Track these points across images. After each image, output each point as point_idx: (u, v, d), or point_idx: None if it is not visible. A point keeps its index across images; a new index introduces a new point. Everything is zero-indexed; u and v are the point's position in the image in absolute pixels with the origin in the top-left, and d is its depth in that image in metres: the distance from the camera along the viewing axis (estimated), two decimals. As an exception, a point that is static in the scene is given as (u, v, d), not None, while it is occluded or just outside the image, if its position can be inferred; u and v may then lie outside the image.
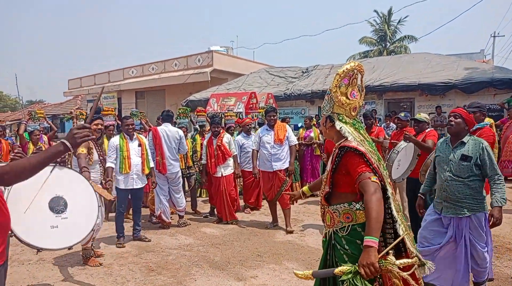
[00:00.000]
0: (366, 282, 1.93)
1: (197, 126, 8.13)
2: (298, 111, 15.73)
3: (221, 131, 6.54)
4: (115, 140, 5.45)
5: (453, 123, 3.42)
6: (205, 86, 19.04)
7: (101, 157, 4.81)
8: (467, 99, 12.14)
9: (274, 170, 5.92)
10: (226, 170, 6.45)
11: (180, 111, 7.79)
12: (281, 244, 5.36)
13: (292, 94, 15.48)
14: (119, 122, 7.05)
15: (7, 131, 15.27)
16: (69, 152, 4.63)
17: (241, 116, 10.03)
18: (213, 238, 5.70)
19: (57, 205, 2.83)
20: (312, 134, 8.53)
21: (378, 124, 10.49)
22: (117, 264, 4.70)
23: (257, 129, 7.65)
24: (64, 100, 33.27)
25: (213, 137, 6.48)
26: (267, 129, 6.07)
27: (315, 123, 9.16)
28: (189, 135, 7.94)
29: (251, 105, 11.67)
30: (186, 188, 7.56)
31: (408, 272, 1.96)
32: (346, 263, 2.09)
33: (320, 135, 8.39)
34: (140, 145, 5.54)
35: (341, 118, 2.28)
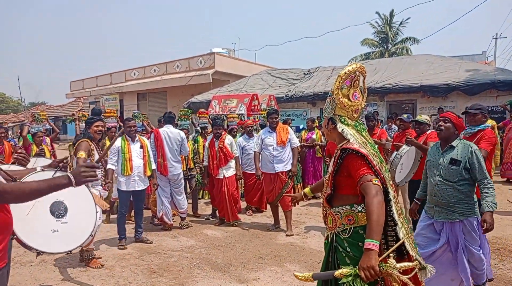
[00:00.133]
0: (365, 285, 1.93)
1: (198, 128, 8.14)
2: (300, 113, 15.73)
3: (222, 133, 6.53)
4: (117, 142, 5.45)
5: (442, 127, 3.41)
6: (207, 88, 19.06)
7: (102, 160, 4.79)
8: (469, 101, 12.13)
9: (276, 172, 5.91)
10: (228, 171, 6.45)
11: (181, 113, 7.81)
12: (283, 246, 5.35)
13: (294, 96, 15.48)
14: (121, 124, 7.07)
15: (10, 132, 15.32)
16: (70, 155, 4.65)
17: (242, 118, 10.03)
18: (215, 240, 5.69)
19: (58, 210, 2.85)
20: (314, 136, 8.53)
21: (380, 126, 10.48)
22: (119, 266, 4.70)
23: (258, 131, 7.65)
24: (66, 102, 33.39)
25: (214, 139, 6.47)
26: (269, 131, 6.07)
27: (317, 125, 9.16)
28: (191, 137, 7.94)
29: (253, 107, 11.68)
30: (188, 190, 7.56)
31: (409, 276, 1.95)
32: (347, 265, 2.09)
33: (322, 137, 8.39)
34: (141, 147, 5.54)
35: (343, 120, 2.28)
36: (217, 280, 4.23)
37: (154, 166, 5.71)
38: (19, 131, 17.01)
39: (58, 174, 2.94)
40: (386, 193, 2.13)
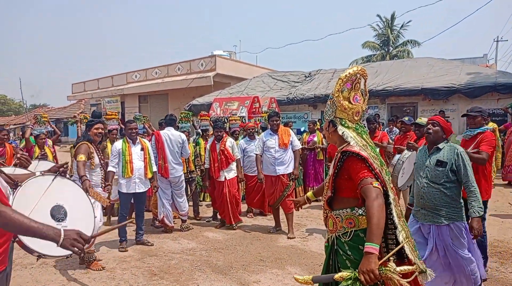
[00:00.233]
0: None
1: (199, 130, 8.14)
2: (301, 116, 15.74)
3: (224, 135, 6.53)
4: (118, 144, 5.47)
5: (431, 131, 3.43)
6: (208, 91, 19.09)
7: (102, 161, 4.82)
8: (470, 104, 12.11)
9: (278, 174, 5.91)
10: (230, 173, 6.43)
11: (182, 115, 7.81)
12: (284, 248, 5.34)
13: (295, 98, 15.50)
14: (123, 126, 7.08)
15: (11, 135, 15.33)
16: (71, 158, 4.66)
17: (243, 121, 10.04)
18: (216, 243, 5.69)
19: (58, 213, 2.87)
20: (315, 139, 8.52)
21: (382, 129, 10.47)
22: (120, 268, 4.69)
23: (259, 134, 7.65)
24: (67, 104, 33.46)
25: (216, 142, 6.46)
26: (270, 134, 6.07)
27: (318, 127, 9.16)
28: (192, 139, 7.94)
29: (254, 110, 11.69)
30: (189, 192, 7.56)
31: (409, 279, 1.95)
32: (348, 268, 2.08)
33: (323, 140, 8.38)
34: (142, 149, 5.54)
35: (343, 122, 2.27)
36: (218, 282, 4.23)
37: (155, 168, 5.72)
38: (21, 133, 17.03)
39: (58, 178, 2.98)
40: (386, 196, 2.12)
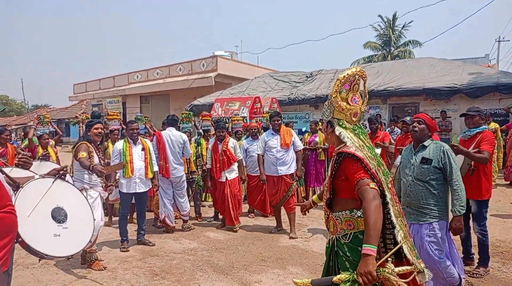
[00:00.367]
0: None
1: (201, 131, 8.14)
2: (302, 116, 15.72)
3: (225, 135, 6.51)
4: (119, 144, 5.48)
5: (417, 129, 3.44)
6: (209, 91, 19.10)
7: (102, 161, 4.83)
8: (472, 104, 12.06)
9: (280, 174, 5.91)
10: (231, 174, 6.41)
11: (183, 115, 7.82)
12: (285, 249, 5.34)
13: (296, 98, 15.49)
14: (124, 127, 7.09)
15: (13, 135, 15.38)
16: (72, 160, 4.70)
17: (245, 121, 10.04)
18: (217, 243, 5.69)
19: (59, 215, 2.91)
20: (317, 139, 8.51)
21: (384, 129, 10.46)
22: (121, 268, 4.70)
23: (261, 134, 7.64)
24: (69, 105, 33.52)
25: (218, 142, 6.45)
26: (272, 134, 6.07)
27: (320, 127, 9.14)
28: (193, 139, 7.93)
29: (255, 110, 11.69)
30: (190, 193, 7.56)
31: (407, 279, 1.96)
32: (347, 269, 2.09)
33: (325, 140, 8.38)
34: (143, 149, 5.55)
35: (341, 123, 2.27)
36: (219, 282, 4.23)
37: (156, 168, 5.72)
38: (23, 133, 17.08)
39: (58, 181, 3.01)
40: (383, 196, 2.12)
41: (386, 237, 2.13)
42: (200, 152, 7.38)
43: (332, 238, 2.33)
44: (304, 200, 8.17)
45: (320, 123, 9.39)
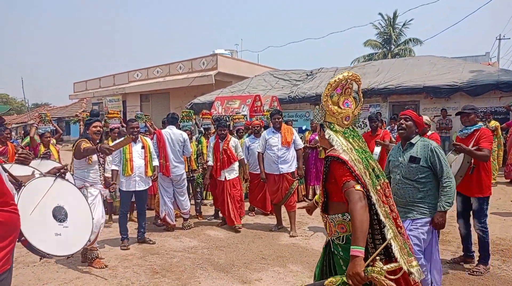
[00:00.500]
0: None
1: (202, 129, 8.14)
2: (303, 114, 15.73)
3: (227, 134, 6.49)
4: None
5: (404, 126, 3.43)
6: (210, 89, 19.09)
7: (101, 159, 4.85)
8: (472, 102, 12.08)
9: (281, 172, 5.90)
10: (231, 174, 6.39)
11: (183, 114, 7.82)
12: (286, 247, 5.35)
13: (297, 97, 15.48)
14: (124, 125, 7.08)
15: (13, 133, 15.38)
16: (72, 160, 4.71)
17: (246, 119, 10.03)
18: (218, 241, 5.69)
19: (59, 214, 2.92)
20: (317, 137, 8.50)
21: (385, 127, 10.44)
22: (122, 266, 4.70)
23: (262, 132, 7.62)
24: (69, 103, 33.52)
25: (219, 141, 6.43)
26: (273, 132, 6.06)
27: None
28: (194, 138, 7.92)
29: (256, 108, 11.69)
30: (190, 191, 7.56)
31: (397, 276, 1.98)
32: (342, 268, 2.15)
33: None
34: (143, 147, 5.56)
35: (332, 126, 2.30)
36: (219, 280, 4.23)
37: (156, 163, 5.73)
38: (23, 132, 17.08)
39: (58, 180, 3.02)
40: (369, 198, 2.13)
41: (376, 238, 2.15)
42: (200, 150, 7.38)
43: (328, 239, 2.38)
44: (304, 198, 8.18)
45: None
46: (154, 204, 6.83)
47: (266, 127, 8.06)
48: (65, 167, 3.25)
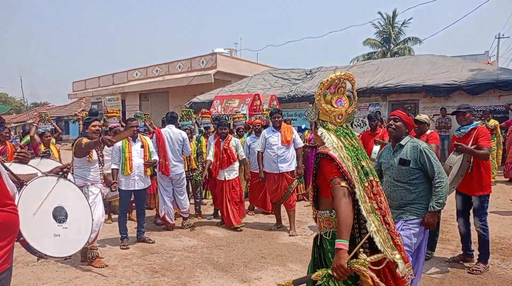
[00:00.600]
0: (339, 283, 2.06)
1: (202, 128, 8.13)
2: (302, 113, 15.72)
3: (227, 133, 6.46)
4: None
5: (393, 126, 3.39)
6: (209, 88, 19.07)
7: (101, 158, 4.86)
8: (471, 101, 12.10)
9: (281, 172, 5.90)
10: (231, 174, 6.36)
11: (183, 113, 7.82)
12: (285, 246, 5.35)
13: (296, 96, 15.47)
14: (124, 124, 7.08)
15: (12, 133, 15.37)
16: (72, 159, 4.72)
17: (245, 118, 10.01)
18: (217, 240, 5.69)
19: (59, 214, 2.90)
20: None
21: (385, 126, 10.44)
22: (121, 265, 4.70)
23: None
24: (68, 102, 33.48)
25: (220, 140, 6.41)
26: (273, 131, 6.06)
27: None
28: (195, 137, 7.91)
29: (255, 107, 11.68)
30: (190, 190, 7.56)
31: (381, 266, 2.05)
32: (330, 261, 2.21)
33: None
34: (142, 146, 5.55)
35: (324, 124, 2.36)
36: (219, 279, 4.23)
37: (155, 157, 5.72)
38: (22, 131, 17.07)
39: (61, 180, 3.01)
40: (355, 194, 2.18)
41: (362, 232, 2.20)
42: (200, 149, 7.37)
43: (318, 233, 2.46)
44: (304, 197, 8.18)
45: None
46: (154, 204, 6.81)
47: (265, 126, 8.06)
48: (68, 167, 3.24)
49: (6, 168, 2.24)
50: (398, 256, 2.12)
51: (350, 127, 2.42)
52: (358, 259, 2.02)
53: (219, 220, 6.69)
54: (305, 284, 2.33)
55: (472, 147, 4.06)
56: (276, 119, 6.00)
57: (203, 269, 4.55)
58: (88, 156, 4.63)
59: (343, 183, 2.15)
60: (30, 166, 3.08)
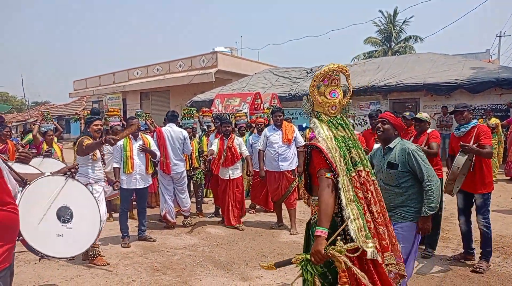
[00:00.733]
0: (317, 267, 2.20)
1: (205, 127, 8.13)
2: (303, 112, 15.68)
3: (231, 131, 6.43)
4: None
5: (381, 129, 3.31)
6: (210, 87, 19.07)
7: (103, 157, 4.89)
8: (472, 99, 12.10)
9: (282, 170, 5.90)
10: (235, 173, 6.32)
11: (184, 111, 7.82)
12: (286, 244, 5.35)
13: (297, 94, 15.47)
14: (124, 123, 7.08)
15: (13, 132, 15.38)
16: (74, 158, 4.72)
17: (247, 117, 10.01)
18: (218, 238, 5.70)
19: (64, 215, 2.88)
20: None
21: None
22: (123, 264, 4.71)
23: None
24: (69, 101, 33.51)
25: (224, 138, 6.36)
26: (274, 129, 6.06)
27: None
28: (197, 136, 7.88)
29: (256, 106, 11.69)
30: (191, 189, 7.56)
31: (356, 254, 2.12)
32: None
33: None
34: (144, 145, 5.55)
35: (318, 116, 2.45)
36: (220, 278, 4.24)
37: (157, 152, 5.72)
38: (23, 130, 17.08)
39: (70, 180, 2.99)
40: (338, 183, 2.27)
41: (344, 220, 2.25)
42: (201, 148, 7.36)
43: (310, 218, 2.58)
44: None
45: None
46: (155, 202, 6.81)
47: (267, 125, 8.05)
48: (76, 167, 3.21)
49: (9, 167, 2.23)
50: (370, 244, 2.16)
51: (344, 118, 2.49)
52: (335, 246, 2.11)
53: (220, 219, 6.69)
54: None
55: (476, 146, 4.05)
56: (278, 117, 5.99)
57: (204, 267, 4.55)
58: (92, 154, 4.64)
59: (328, 174, 2.24)
60: (32, 166, 3.07)
